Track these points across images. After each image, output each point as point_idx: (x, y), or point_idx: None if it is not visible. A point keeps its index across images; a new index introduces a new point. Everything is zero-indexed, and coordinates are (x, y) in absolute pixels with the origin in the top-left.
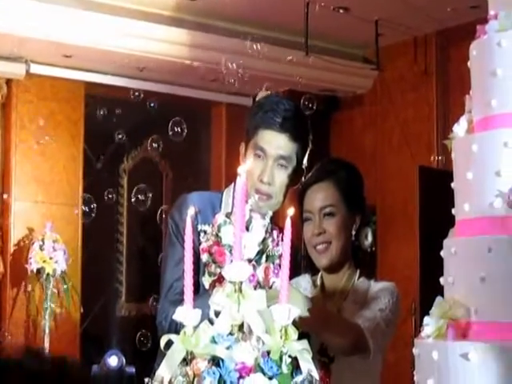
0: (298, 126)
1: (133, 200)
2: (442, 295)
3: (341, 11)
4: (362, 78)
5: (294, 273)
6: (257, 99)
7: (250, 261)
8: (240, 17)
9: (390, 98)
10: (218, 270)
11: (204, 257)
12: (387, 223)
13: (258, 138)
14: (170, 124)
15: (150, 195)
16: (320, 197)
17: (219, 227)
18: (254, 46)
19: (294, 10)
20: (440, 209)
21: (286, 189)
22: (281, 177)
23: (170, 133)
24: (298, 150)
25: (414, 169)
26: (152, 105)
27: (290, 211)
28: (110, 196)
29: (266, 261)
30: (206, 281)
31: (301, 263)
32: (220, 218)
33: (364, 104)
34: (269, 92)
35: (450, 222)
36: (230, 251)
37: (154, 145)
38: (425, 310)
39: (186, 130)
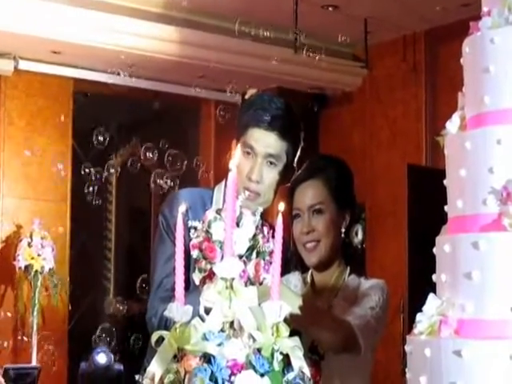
0: (288, 125)
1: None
2: (432, 292)
3: (330, 9)
4: (351, 75)
5: (285, 270)
6: (246, 97)
7: (240, 257)
8: (229, 14)
9: (378, 96)
10: (209, 266)
11: (194, 253)
12: (376, 221)
13: (248, 135)
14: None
15: None
16: (309, 194)
17: (209, 223)
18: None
19: (284, 8)
20: (428, 206)
21: (276, 187)
22: (269, 175)
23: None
24: (288, 148)
25: (403, 166)
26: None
27: (281, 206)
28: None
29: (257, 257)
30: (196, 277)
31: (291, 260)
32: (210, 214)
33: (353, 102)
34: (256, 90)
35: (438, 219)
36: (221, 247)
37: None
38: (413, 307)
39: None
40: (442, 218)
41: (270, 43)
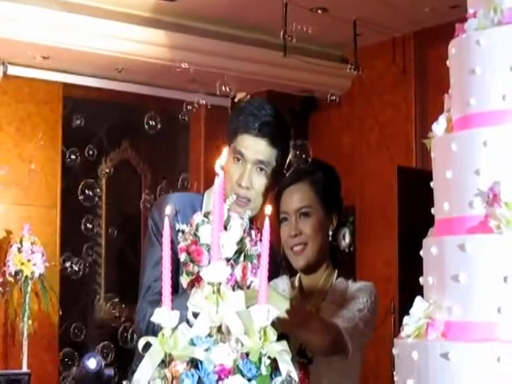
0: (278, 132)
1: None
2: (422, 295)
3: (319, 12)
4: (340, 78)
5: (274, 275)
6: (235, 100)
7: (227, 260)
8: (218, 18)
9: (368, 99)
10: (196, 269)
11: (182, 256)
12: (366, 223)
13: (238, 142)
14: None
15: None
16: (296, 198)
17: (197, 226)
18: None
19: (273, 11)
20: (418, 208)
21: (266, 193)
22: (259, 181)
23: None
24: (277, 154)
25: (393, 169)
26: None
27: (268, 210)
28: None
29: (244, 260)
30: (184, 280)
31: (280, 265)
32: (198, 217)
33: (342, 104)
34: (245, 93)
35: (428, 221)
36: (208, 250)
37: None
38: (404, 309)
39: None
40: (432, 220)
41: (259, 46)
